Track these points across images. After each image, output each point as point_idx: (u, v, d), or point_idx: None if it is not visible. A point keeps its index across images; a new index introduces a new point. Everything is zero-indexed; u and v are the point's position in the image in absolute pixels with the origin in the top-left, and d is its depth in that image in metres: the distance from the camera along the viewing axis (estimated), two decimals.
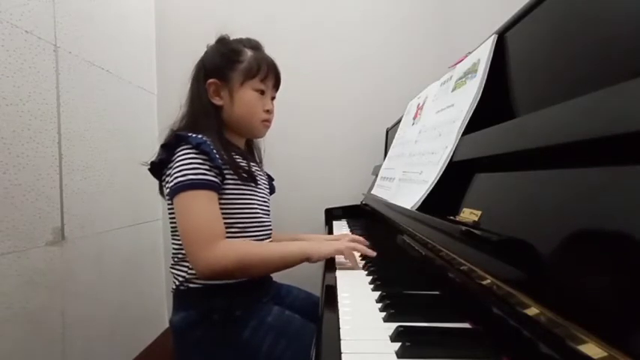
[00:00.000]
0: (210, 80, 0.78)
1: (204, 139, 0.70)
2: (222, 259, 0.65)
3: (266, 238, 0.82)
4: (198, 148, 0.69)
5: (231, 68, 0.78)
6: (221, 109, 0.80)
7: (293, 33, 1.54)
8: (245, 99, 0.79)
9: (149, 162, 0.77)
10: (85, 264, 1.08)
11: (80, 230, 1.07)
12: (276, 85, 0.85)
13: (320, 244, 0.72)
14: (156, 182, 0.81)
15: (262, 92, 0.81)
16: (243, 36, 0.84)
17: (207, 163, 0.69)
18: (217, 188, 0.71)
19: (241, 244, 0.71)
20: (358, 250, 0.71)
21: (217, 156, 0.70)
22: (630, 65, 0.31)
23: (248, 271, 0.70)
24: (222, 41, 0.82)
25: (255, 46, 0.83)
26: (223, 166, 0.72)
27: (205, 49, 0.84)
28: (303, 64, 1.53)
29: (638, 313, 0.20)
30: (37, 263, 0.91)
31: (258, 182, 0.81)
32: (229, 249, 0.67)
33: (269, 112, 0.83)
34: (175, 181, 0.68)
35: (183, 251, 0.71)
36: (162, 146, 0.73)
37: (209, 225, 0.67)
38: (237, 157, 0.78)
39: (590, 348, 0.21)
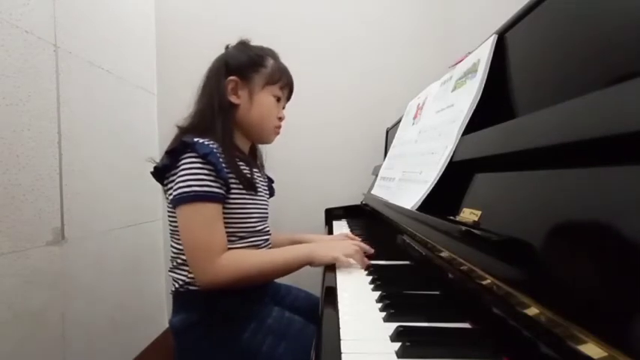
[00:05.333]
0: (231, 77, 0.78)
1: (211, 146, 0.69)
2: (222, 273, 0.66)
3: (265, 244, 0.82)
4: (205, 158, 0.67)
5: (255, 71, 0.80)
6: (236, 108, 0.79)
7: (293, 33, 1.54)
8: (264, 102, 0.80)
9: (153, 166, 0.75)
10: (85, 264, 1.08)
11: (80, 230, 1.07)
12: (289, 97, 0.88)
13: (322, 250, 0.70)
14: (156, 182, 0.80)
15: (278, 99, 0.83)
16: (244, 36, 0.86)
17: (213, 174, 0.68)
18: (222, 200, 0.70)
19: (242, 257, 0.70)
20: (356, 260, 0.69)
21: (224, 165, 0.69)
22: (630, 65, 0.31)
23: (248, 282, 0.70)
24: (246, 44, 0.84)
25: (275, 56, 0.85)
26: (229, 176, 0.71)
27: (226, 48, 0.85)
28: (303, 64, 1.52)
29: (638, 313, 0.20)
30: (37, 263, 0.91)
31: (259, 190, 0.81)
32: (230, 263, 0.67)
33: (281, 119, 0.85)
34: (179, 190, 0.67)
35: (183, 256, 0.71)
36: (167, 152, 0.71)
37: (211, 240, 0.67)
38: (240, 163, 0.77)
39: (590, 348, 0.21)
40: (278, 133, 0.87)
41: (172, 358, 0.74)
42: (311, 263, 0.70)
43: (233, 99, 0.78)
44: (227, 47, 0.85)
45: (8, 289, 0.83)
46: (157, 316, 1.54)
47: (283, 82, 0.82)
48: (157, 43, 1.56)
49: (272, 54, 0.84)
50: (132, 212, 1.36)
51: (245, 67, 0.79)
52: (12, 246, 0.84)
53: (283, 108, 0.87)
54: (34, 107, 0.92)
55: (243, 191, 0.75)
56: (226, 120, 0.77)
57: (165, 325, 1.54)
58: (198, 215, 0.67)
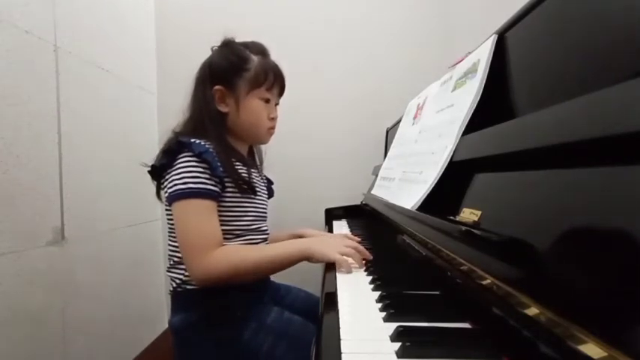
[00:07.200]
0: (217, 87, 0.78)
1: (206, 146, 0.70)
2: (215, 267, 0.65)
3: (262, 243, 0.82)
4: (200, 156, 0.68)
5: (238, 76, 0.78)
6: (226, 116, 0.79)
7: (293, 33, 1.54)
8: (251, 108, 0.79)
9: (149, 165, 0.76)
10: (85, 264, 1.08)
11: (80, 230, 1.07)
12: (281, 93, 0.85)
13: (322, 247, 0.68)
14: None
15: (267, 101, 0.81)
16: (244, 37, 0.84)
17: (208, 171, 0.69)
18: (217, 197, 0.71)
19: (237, 251, 0.70)
20: (354, 260, 0.66)
21: (219, 164, 0.70)
22: (630, 65, 0.31)
23: (243, 276, 0.69)
24: (229, 45, 0.81)
25: (262, 51, 0.82)
26: (223, 175, 0.71)
27: (210, 52, 0.83)
28: (303, 64, 1.53)
29: (638, 313, 0.20)
30: (37, 263, 0.91)
31: (258, 192, 0.81)
32: (223, 257, 0.66)
33: (273, 119, 0.84)
34: (175, 187, 0.68)
35: (179, 254, 0.71)
36: (165, 152, 0.72)
37: (205, 234, 0.67)
38: (238, 164, 0.78)
39: (590, 348, 0.21)
40: (272, 133, 0.86)
41: (172, 358, 0.74)
42: (309, 259, 0.68)
43: (221, 107, 0.78)
44: (212, 49, 0.83)
45: (8, 289, 0.83)
46: (157, 316, 1.54)
47: (269, 83, 0.79)
48: (157, 43, 1.56)
49: (257, 50, 0.81)
50: (132, 212, 1.36)
51: (227, 74, 0.78)
52: (12, 246, 0.84)
53: (277, 104, 0.86)
54: (34, 107, 0.91)
55: (239, 192, 0.76)
56: (218, 128, 0.77)
57: (165, 325, 1.54)
58: (193, 211, 0.68)
